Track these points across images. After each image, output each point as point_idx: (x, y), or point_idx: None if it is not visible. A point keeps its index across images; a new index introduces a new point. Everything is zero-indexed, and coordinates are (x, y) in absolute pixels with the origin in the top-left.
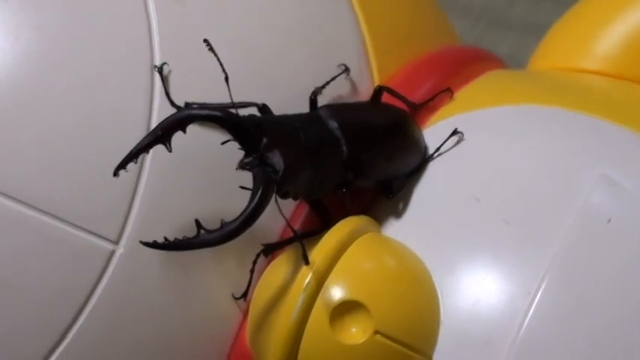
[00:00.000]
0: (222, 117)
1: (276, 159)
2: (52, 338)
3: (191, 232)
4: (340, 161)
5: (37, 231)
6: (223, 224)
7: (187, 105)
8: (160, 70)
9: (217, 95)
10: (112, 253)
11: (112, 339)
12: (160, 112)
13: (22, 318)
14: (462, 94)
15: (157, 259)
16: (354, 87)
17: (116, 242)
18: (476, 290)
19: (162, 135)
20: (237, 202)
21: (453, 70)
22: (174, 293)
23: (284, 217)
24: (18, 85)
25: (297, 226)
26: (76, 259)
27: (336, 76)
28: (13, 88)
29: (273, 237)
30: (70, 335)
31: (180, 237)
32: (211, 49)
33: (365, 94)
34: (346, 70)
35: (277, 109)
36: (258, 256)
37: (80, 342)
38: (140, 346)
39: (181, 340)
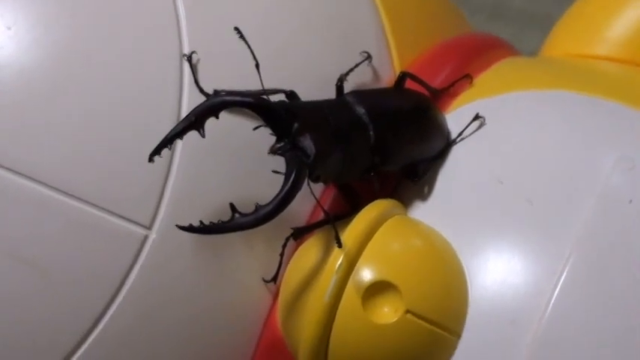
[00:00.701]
0: (255, 103)
1: (308, 143)
2: (87, 323)
3: (222, 216)
4: (368, 146)
5: (71, 217)
6: (258, 207)
7: (216, 92)
8: (189, 59)
9: (244, 83)
10: (145, 238)
11: (145, 323)
12: (190, 99)
13: (57, 303)
14: (481, 80)
15: (189, 244)
16: (375, 74)
17: (149, 228)
18: (502, 270)
19: (195, 121)
20: (268, 187)
21: (471, 56)
22: (205, 277)
23: (317, 200)
24: (50, 74)
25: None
26: (109, 245)
27: (359, 63)
28: (46, 77)
29: (301, 221)
30: (105, 320)
31: (211, 221)
32: (242, 36)
33: (385, 80)
34: (368, 57)
35: (301, 96)
36: (287, 239)
37: (114, 326)
38: (172, 330)
39: (212, 324)
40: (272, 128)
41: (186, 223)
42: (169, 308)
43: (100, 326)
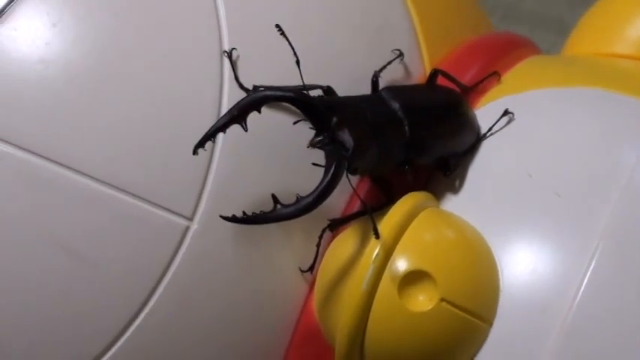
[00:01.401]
0: (295, 98)
1: (346, 137)
2: (130, 311)
3: (262, 207)
4: (403, 140)
5: (115, 208)
6: (299, 199)
7: (255, 88)
8: (230, 56)
9: (281, 78)
10: (187, 229)
11: (186, 311)
12: (230, 95)
13: (103, 291)
14: (509, 77)
15: (229, 235)
16: (407, 71)
17: (190, 219)
18: (532, 260)
19: (238, 115)
20: (308, 179)
21: (498, 54)
22: (244, 267)
23: (355, 192)
24: (95, 69)
25: (358, 203)
26: (152, 236)
27: (392, 61)
28: (91, 73)
29: (337, 213)
30: (147, 308)
31: (253, 212)
32: (283, 33)
33: (416, 77)
34: (400, 54)
35: (336, 91)
36: (324, 230)
37: (156, 315)
38: (213, 319)
39: (250, 312)
40: (311, 122)
41: (226, 214)
42: (209, 297)
43: (143, 314)
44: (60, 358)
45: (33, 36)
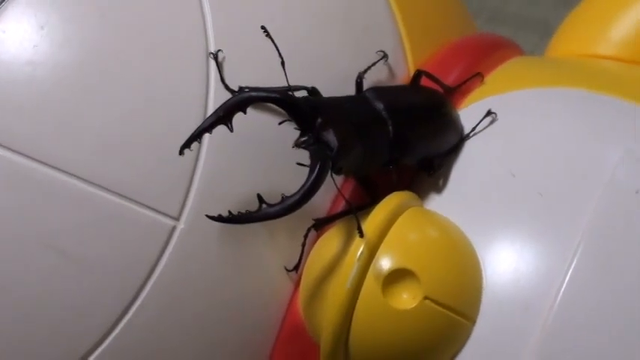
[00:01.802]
0: (281, 98)
1: (331, 137)
2: (118, 310)
3: (248, 207)
4: (387, 140)
5: (102, 208)
6: (284, 198)
7: (241, 89)
8: (215, 57)
9: (267, 80)
10: (174, 228)
11: (173, 310)
12: (216, 95)
13: (90, 290)
14: (492, 78)
15: (215, 234)
16: (391, 71)
17: (177, 218)
18: (515, 258)
19: (223, 116)
20: (293, 179)
21: (481, 56)
22: (230, 266)
23: (340, 191)
24: (82, 71)
25: (343, 202)
26: (139, 235)
27: (377, 62)
28: (78, 74)
29: (321, 213)
30: (134, 307)
31: (239, 212)
32: (268, 35)
33: (400, 78)
34: (385, 56)
35: (321, 92)
36: (309, 230)
37: (144, 313)
38: (199, 317)
39: (237, 311)
40: (296, 123)
41: (212, 214)
42: (196, 295)
43: (131, 312)
44: (48, 356)
45: (21, 38)
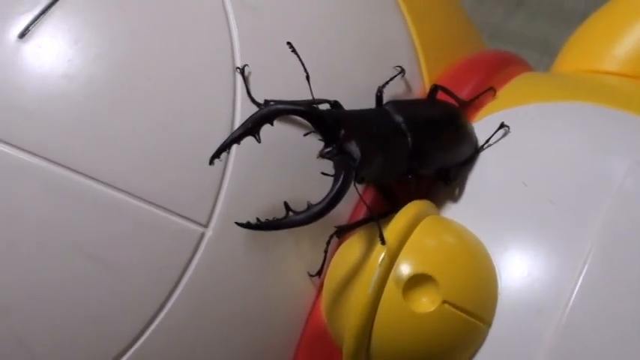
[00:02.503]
0: (306, 111)
1: (354, 148)
2: (149, 313)
3: (275, 214)
4: (406, 151)
5: (136, 216)
6: (310, 206)
7: (266, 102)
8: (242, 72)
9: (291, 93)
10: (202, 235)
11: (202, 314)
12: (243, 109)
13: (123, 295)
14: (503, 92)
15: (242, 241)
16: (408, 86)
17: (206, 225)
18: (528, 264)
19: (251, 127)
20: (317, 188)
21: (493, 71)
22: (256, 271)
23: (363, 200)
24: (115, 85)
25: (363, 211)
26: (170, 241)
27: (394, 77)
28: (111, 88)
29: (342, 221)
30: (164, 311)
31: (266, 219)
32: (294, 50)
33: (416, 92)
34: (402, 71)
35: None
36: (331, 237)
37: (173, 316)
38: (226, 321)
39: (262, 314)
40: (321, 134)
41: (241, 221)
42: (223, 300)
43: (161, 316)
44: (83, 357)
45: (56, 52)
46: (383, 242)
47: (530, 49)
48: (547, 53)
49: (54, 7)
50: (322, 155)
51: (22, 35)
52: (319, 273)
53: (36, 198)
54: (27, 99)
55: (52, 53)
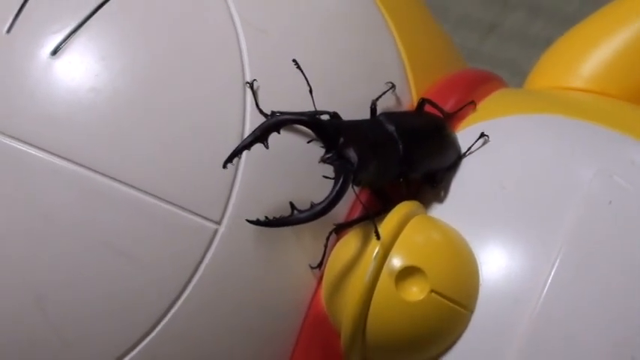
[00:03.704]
0: (310, 121)
1: (352, 154)
2: (164, 304)
3: (281, 213)
4: (398, 157)
5: (155, 214)
6: (313, 205)
7: (273, 113)
8: (251, 86)
9: (295, 105)
10: (216, 231)
11: (214, 304)
12: (252, 119)
13: (140, 286)
14: (483, 106)
15: (251, 237)
16: (398, 100)
17: (219, 222)
18: (505, 258)
19: (260, 135)
20: (319, 189)
21: (473, 87)
22: (264, 264)
23: (360, 200)
24: (137, 97)
25: (359, 210)
26: (186, 237)
27: (386, 91)
28: (134, 100)
29: (340, 219)
30: (181, 300)
31: (274, 216)
32: (299, 67)
33: (406, 105)
34: (393, 86)
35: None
36: (330, 233)
37: (189, 306)
38: (236, 310)
39: (269, 303)
40: (322, 142)
41: (251, 218)
42: (234, 290)
43: (177, 306)
44: (108, 342)
45: (85, 68)
46: (378, 237)
47: (501, 69)
48: (516, 74)
49: (82, 28)
50: (323, 160)
51: (54, 53)
52: (320, 265)
53: (66, 198)
54: (58, 109)
55: (80, 69)
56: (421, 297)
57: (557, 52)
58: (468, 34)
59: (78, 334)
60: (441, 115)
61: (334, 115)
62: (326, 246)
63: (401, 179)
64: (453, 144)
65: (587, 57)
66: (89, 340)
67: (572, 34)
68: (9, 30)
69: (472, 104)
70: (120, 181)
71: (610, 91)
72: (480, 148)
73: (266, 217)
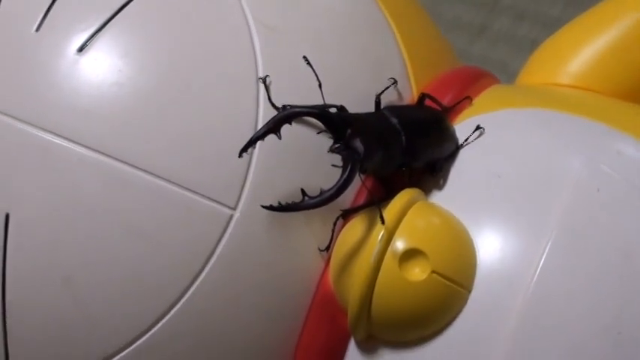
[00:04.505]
0: (320, 114)
1: (358, 145)
2: (183, 284)
3: (292, 199)
4: (400, 147)
5: (175, 200)
6: (322, 192)
7: (284, 106)
8: (264, 81)
9: (305, 99)
10: (231, 216)
11: (230, 285)
12: (265, 112)
13: (161, 268)
14: (478, 100)
15: (264, 221)
16: (399, 94)
17: (234, 208)
18: (501, 242)
19: (273, 127)
20: (328, 177)
21: (469, 83)
22: (275, 247)
23: (366, 187)
24: (158, 91)
25: (364, 197)
26: (204, 222)
27: (389, 86)
28: (155, 94)
29: (347, 205)
30: (198, 281)
31: (286, 202)
32: (309, 63)
33: (406, 99)
34: (395, 82)
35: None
36: (338, 218)
37: (205, 287)
38: (251, 290)
39: (281, 283)
40: (331, 133)
41: (264, 204)
42: (248, 272)
43: (194, 286)
44: (131, 319)
45: (108, 64)
46: (383, 222)
47: (490, 69)
48: (504, 73)
49: (106, 27)
50: (332, 150)
51: (81, 50)
52: (327, 248)
53: (92, 185)
54: (84, 102)
55: (104, 65)
56: (423, 277)
57: (545, 52)
58: (458, 36)
59: (103, 311)
60: (440, 109)
61: (341, 109)
62: (333, 230)
63: (403, 168)
64: (451, 135)
65: (572, 56)
66: (113, 317)
67: (558, 36)
68: (38, 29)
69: (468, 99)
70: (142, 169)
71: (594, 87)
72: (476, 139)
73: (279, 203)
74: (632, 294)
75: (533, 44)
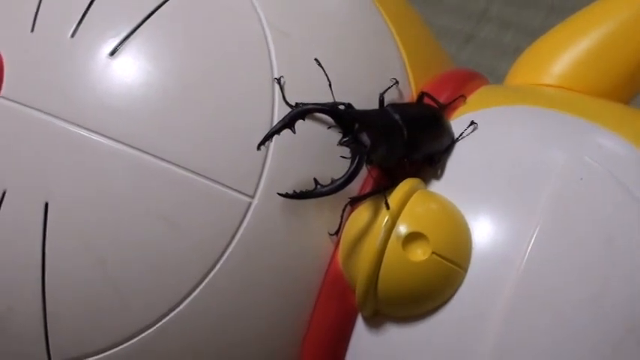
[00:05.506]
0: (330, 110)
1: (365, 138)
2: (206, 266)
3: (306, 187)
4: (403, 141)
5: (197, 189)
6: (333, 181)
7: (297, 104)
8: (279, 81)
9: (316, 97)
10: (250, 204)
11: (249, 268)
12: (279, 109)
13: (184, 252)
14: (472, 99)
15: (280, 208)
16: (400, 93)
17: (252, 196)
18: (493, 226)
19: (288, 122)
20: (338, 168)
21: (463, 83)
22: (290, 232)
23: (372, 176)
24: (183, 91)
25: (370, 186)
26: (224, 209)
27: (391, 86)
28: (180, 93)
29: (354, 193)
30: (219, 264)
31: (301, 190)
32: (320, 65)
33: (407, 97)
34: (396, 82)
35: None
36: (346, 205)
37: (226, 270)
38: (267, 272)
39: (294, 265)
40: (340, 128)
41: (281, 192)
42: (266, 255)
43: (216, 268)
44: (159, 297)
45: (138, 66)
46: (387, 207)
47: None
48: (492, 76)
49: (135, 33)
50: (341, 143)
51: (112, 53)
52: (337, 232)
53: (123, 175)
54: (116, 102)
55: (134, 67)
56: (424, 258)
57: (529, 56)
58: (447, 44)
59: (133, 290)
60: (437, 106)
61: (348, 106)
62: (342, 216)
63: (405, 160)
64: (447, 130)
65: (555, 59)
66: (142, 295)
67: (541, 41)
68: (73, 35)
69: (462, 97)
70: (168, 161)
71: (576, 86)
72: (470, 134)
73: (293, 191)
74: (613, 269)
75: (516, 51)
